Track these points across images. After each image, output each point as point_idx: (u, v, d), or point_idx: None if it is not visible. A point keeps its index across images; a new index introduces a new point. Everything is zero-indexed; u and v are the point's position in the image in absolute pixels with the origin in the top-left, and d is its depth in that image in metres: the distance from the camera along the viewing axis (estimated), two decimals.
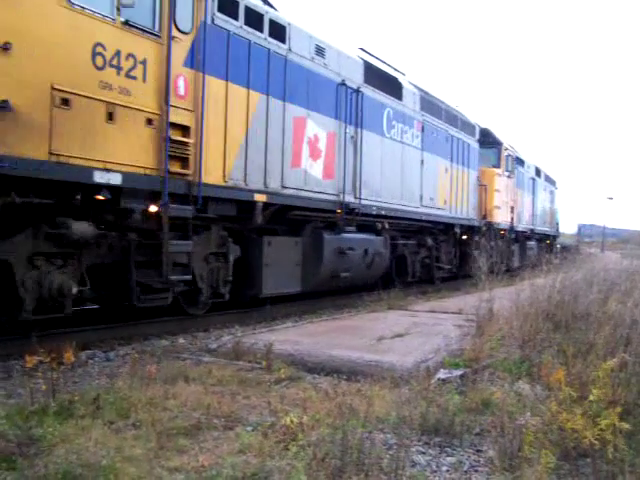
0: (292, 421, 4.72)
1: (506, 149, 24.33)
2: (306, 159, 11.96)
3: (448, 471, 4.37)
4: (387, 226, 15.10)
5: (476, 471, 4.39)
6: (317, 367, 7.27)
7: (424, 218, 17.15)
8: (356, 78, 13.60)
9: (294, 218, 12.03)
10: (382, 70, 15.17)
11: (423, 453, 4.68)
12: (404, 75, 16.88)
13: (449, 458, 4.62)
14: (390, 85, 15.24)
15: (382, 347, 8.09)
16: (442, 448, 4.80)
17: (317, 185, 12.26)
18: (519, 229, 26.62)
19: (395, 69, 16.34)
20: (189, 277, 9.31)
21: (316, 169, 12.25)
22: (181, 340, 8.95)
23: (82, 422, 4.90)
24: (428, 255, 18.41)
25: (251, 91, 10.38)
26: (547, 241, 35.34)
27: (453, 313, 11.43)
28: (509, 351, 7.47)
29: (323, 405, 5.46)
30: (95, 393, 5.43)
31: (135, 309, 8.90)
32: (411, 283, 17.16)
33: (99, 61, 7.76)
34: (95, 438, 4.52)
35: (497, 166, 23.63)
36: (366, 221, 14.25)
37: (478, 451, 4.76)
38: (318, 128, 12.29)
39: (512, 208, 25.20)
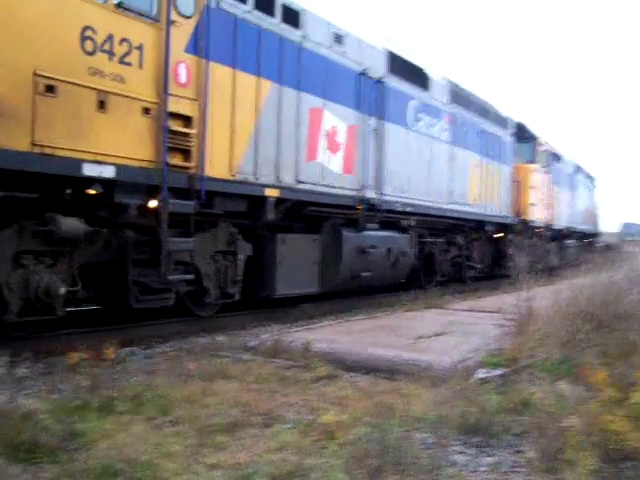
0: (330, 419, 4.72)
1: (542, 144, 23.45)
2: (323, 152, 11.41)
3: (487, 471, 4.33)
4: (413, 223, 14.50)
5: (515, 472, 4.34)
6: (355, 365, 7.25)
7: (454, 215, 16.50)
8: (379, 68, 12.98)
9: (311, 214, 11.54)
10: (407, 60, 14.37)
11: (462, 453, 4.65)
12: (432, 66, 15.95)
13: (488, 458, 4.58)
14: (416, 76, 14.51)
15: (420, 346, 8.06)
16: (481, 448, 4.76)
17: (336, 180, 11.74)
18: (556, 227, 25.56)
19: (422, 59, 15.48)
20: (191, 276, 8.91)
21: (334, 163, 11.71)
22: (219, 338, 8.99)
23: (123, 418, 4.96)
24: (459, 254, 17.78)
25: (262, 79, 9.84)
26: (587, 240, 34.17)
27: (491, 312, 11.32)
28: (549, 351, 7.37)
29: (361, 404, 5.45)
30: (135, 390, 5.49)
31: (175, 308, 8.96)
32: (441, 283, 16.58)
33: (88, 46, 7.25)
34: (135, 434, 4.57)
35: (532, 162, 22.70)
36: (390, 218, 13.62)
37: (517, 452, 4.70)
38: (337, 120, 11.73)
39: (549, 205, 24.25)
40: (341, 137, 11.86)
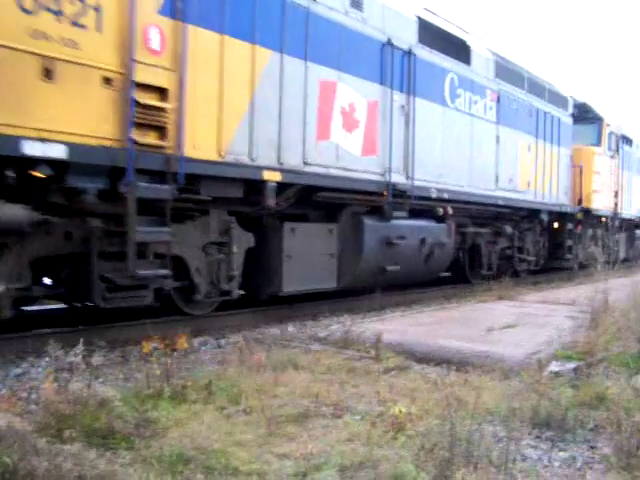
0: (400, 411, 4.70)
1: (608, 125, 21.11)
2: (338, 131, 10.01)
3: (561, 466, 4.26)
4: (451, 212, 12.88)
5: (590, 468, 4.25)
6: (425, 357, 7.22)
7: (501, 203, 14.83)
8: (407, 37, 11.56)
9: (329, 202, 10.34)
10: (443, 29, 12.88)
11: (534, 447, 4.58)
12: (474, 37, 14.45)
13: (561, 453, 4.50)
14: (454, 47, 13.00)
15: (491, 338, 7.97)
16: (554, 443, 4.68)
17: (354, 162, 10.31)
18: (625, 216, 23.50)
19: (464, 30, 13.97)
20: (165, 272, 7.59)
21: (352, 143, 10.28)
22: (290, 328, 9.05)
23: (194, 407, 5.05)
24: (509, 245, 16.16)
25: (258, 47, 8.51)
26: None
27: (565, 304, 11.12)
28: (626, 344, 7.21)
29: (431, 395, 5.42)
30: (207, 379, 5.57)
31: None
32: (491, 277, 14.88)
33: (27, 3, 6.15)
34: (207, 423, 4.64)
35: (597, 145, 20.56)
36: (423, 206, 12.27)
37: (592, 447, 4.61)
38: (355, 94, 10.29)
39: (616, 193, 22.17)
40: (360, 114, 10.46)
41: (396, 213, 11.25)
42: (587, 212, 19.71)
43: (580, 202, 19.48)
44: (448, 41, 12.88)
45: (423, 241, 12.11)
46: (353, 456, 4.11)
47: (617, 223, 22.44)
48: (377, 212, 11.15)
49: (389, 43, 11.03)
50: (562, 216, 18.61)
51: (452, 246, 13.23)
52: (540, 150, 16.76)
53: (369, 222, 10.87)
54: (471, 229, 14.47)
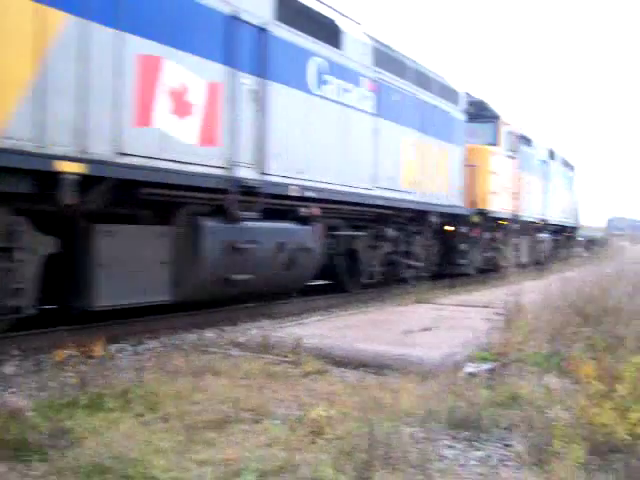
0: (319, 415, 4.73)
1: (506, 124, 20.33)
2: (165, 116, 8.32)
3: (476, 465, 4.35)
4: (318, 212, 11.31)
5: (505, 465, 4.36)
6: (345, 361, 7.27)
7: (380, 203, 13.30)
8: (261, 12, 9.94)
9: (160, 200, 8.60)
10: (307, 6, 11.20)
11: (451, 447, 4.67)
12: (351, 21, 12.87)
13: (477, 452, 4.60)
14: (322, 28, 11.42)
15: (410, 341, 8.08)
16: (470, 442, 4.78)
17: (188, 153, 8.60)
18: (526, 219, 22.88)
19: (337, 11, 12.27)
20: None
21: (186, 131, 8.59)
22: (209, 334, 8.98)
23: (111, 415, 4.95)
24: (394, 250, 14.65)
25: (46, 8, 6.72)
26: (565, 233, 31.62)
27: (481, 306, 11.36)
28: (538, 345, 7.41)
29: (350, 399, 5.47)
30: (124, 386, 5.49)
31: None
32: (376, 285, 14.16)
33: None
34: (124, 431, 4.56)
35: (494, 144, 19.54)
36: (283, 205, 10.68)
37: (506, 445, 4.73)
38: (190, 75, 8.63)
39: (516, 195, 21.43)
40: (197, 97, 8.80)
41: (246, 214, 9.60)
42: (484, 214, 18.65)
43: (475, 204, 18.24)
44: (314, 21, 11.32)
45: (282, 246, 10.49)
46: (273, 461, 4.11)
47: (517, 226, 21.86)
48: (223, 213, 9.47)
49: (236, 17, 9.41)
50: (455, 218, 17.49)
51: (320, 251, 11.64)
52: (428, 147, 15.37)
53: (210, 224, 9.23)
54: (346, 232, 12.95)
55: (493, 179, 19.08)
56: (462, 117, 17.52)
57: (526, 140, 23.16)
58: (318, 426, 4.65)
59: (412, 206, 14.71)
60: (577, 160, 34.97)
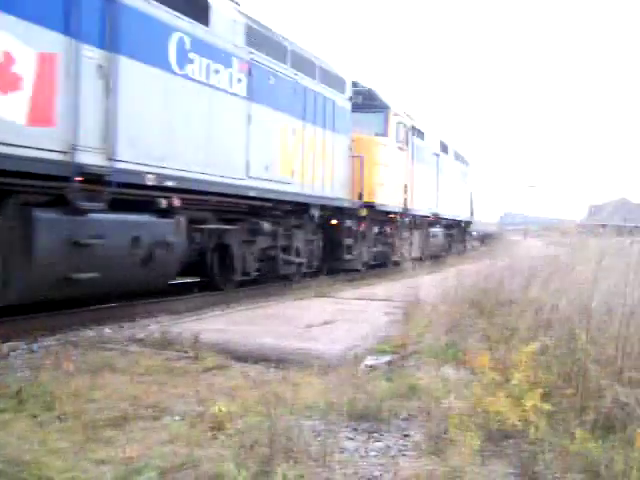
0: (220, 410, 4.70)
1: (396, 115, 19.75)
2: None
3: (376, 456, 4.42)
4: (179, 203, 10.32)
5: (404, 455, 4.45)
6: (245, 355, 7.25)
7: (253, 194, 12.30)
8: None
9: None
10: None
11: (351, 439, 4.73)
12: (235, 2, 12.01)
13: (377, 443, 4.67)
14: (188, 2, 10.53)
15: (310, 335, 8.13)
16: (370, 434, 4.85)
17: (14, 134, 7.55)
18: (418, 213, 22.55)
19: None
20: None
21: (11, 108, 7.54)
22: (107, 330, 8.79)
23: (4, 416, 4.79)
24: (272, 245, 13.85)
25: None
26: (459, 227, 31.89)
27: (381, 300, 11.53)
28: (435, 337, 7.59)
29: (251, 393, 5.46)
30: (17, 386, 5.31)
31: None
32: (254, 281, 13.57)
33: None
34: (18, 432, 4.42)
35: (383, 135, 19.00)
36: (138, 196, 9.76)
37: (405, 435, 4.83)
38: (15, 43, 7.52)
39: (407, 188, 20.88)
40: (25, 69, 7.70)
41: (91, 205, 8.54)
42: (372, 208, 17.98)
43: (363, 197, 17.44)
44: None
45: (137, 241, 9.42)
46: (174, 458, 4.07)
47: (409, 220, 21.65)
48: (63, 203, 8.39)
49: None
50: (341, 212, 16.75)
51: (183, 246, 10.69)
52: (309, 135, 14.31)
53: (45, 216, 8.11)
54: (215, 226, 12.07)
55: (382, 171, 18.49)
56: (348, 105, 16.65)
57: (418, 132, 22.64)
58: (219, 421, 4.63)
59: (290, 198, 13.80)
60: (474, 158, 35.97)
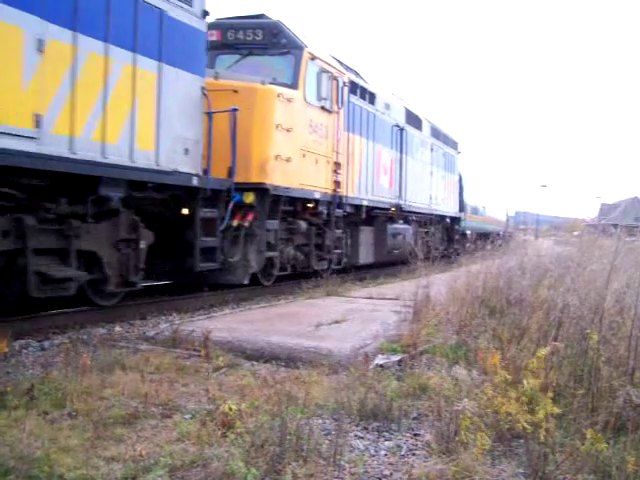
0: (230, 408, 4.70)
1: (315, 59, 13.86)
2: None
3: (386, 455, 4.42)
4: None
5: (414, 455, 4.45)
6: (255, 354, 7.26)
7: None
8: None
9: None
10: None
11: (361, 438, 4.73)
12: None
13: (387, 442, 4.67)
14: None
15: (320, 333, 8.12)
16: (380, 433, 4.86)
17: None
18: (363, 203, 16.95)
19: None
20: None
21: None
22: (118, 328, 8.81)
23: (15, 413, 4.81)
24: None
25: None
26: (441, 225, 25.41)
27: (390, 299, 11.50)
28: (446, 336, 7.58)
29: (261, 392, 5.46)
30: (29, 383, 5.33)
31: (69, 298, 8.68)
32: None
33: None
34: (29, 430, 4.42)
35: (291, 86, 13.11)
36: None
37: (416, 435, 4.83)
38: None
39: (338, 166, 15.06)
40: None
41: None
42: (264, 191, 12.24)
43: (232, 173, 11.49)
44: None
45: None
46: (183, 456, 4.07)
47: (342, 212, 15.54)
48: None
49: None
50: (192, 196, 10.55)
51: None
52: (114, 68, 8.73)
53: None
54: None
55: (282, 138, 12.62)
56: (200, 25, 10.53)
57: (364, 92, 17.12)
58: (229, 420, 4.63)
59: (74, 169, 8.23)
60: (465, 141, 32.44)
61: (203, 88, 10.52)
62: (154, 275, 11.10)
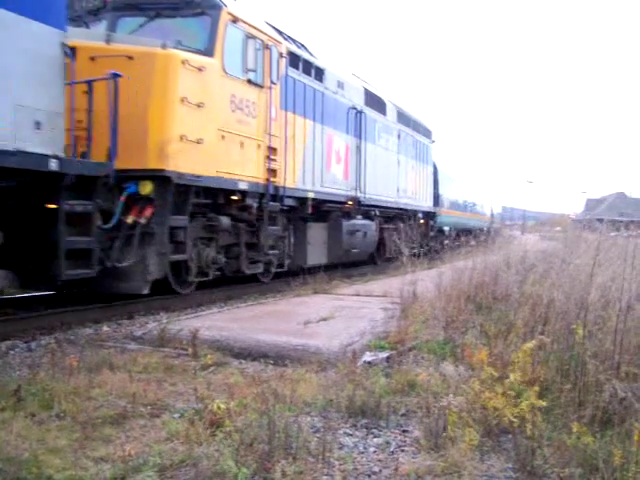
0: (219, 407, 4.71)
1: (237, 22, 11.47)
2: None
3: (375, 452, 4.44)
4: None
5: (402, 451, 4.47)
6: (244, 352, 7.26)
7: None
8: None
9: None
10: None
11: (350, 435, 4.74)
12: None
13: (376, 439, 4.69)
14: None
15: (308, 331, 8.13)
16: (369, 430, 4.87)
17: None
18: (310, 195, 14.40)
19: None
20: None
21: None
22: (105, 328, 8.78)
23: (2, 415, 4.79)
24: None
25: None
26: (411, 221, 20.44)
27: (378, 296, 11.53)
28: (433, 333, 7.61)
29: (250, 390, 5.47)
30: (16, 385, 5.31)
31: (55, 297, 8.65)
32: None
33: None
34: (17, 431, 4.42)
35: (205, 53, 10.76)
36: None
37: (404, 431, 4.85)
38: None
39: (273, 152, 12.65)
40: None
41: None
42: (162, 180, 9.80)
43: (112, 156, 9.09)
44: None
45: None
46: (173, 455, 4.08)
47: (278, 206, 12.99)
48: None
49: None
50: (55, 183, 8.11)
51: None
52: None
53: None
54: None
55: (190, 114, 10.22)
56: None
57: (308, 66, 14.53)
58: (218, 419, 4.63)
59: None
60: (438, 129, 30.70)
61: (64, 45, 7.97)
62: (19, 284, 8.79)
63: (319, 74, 15.08)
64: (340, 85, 16.36)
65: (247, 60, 11.64)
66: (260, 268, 13.03)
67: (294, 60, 13.80)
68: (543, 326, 6.23)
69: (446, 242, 24.56)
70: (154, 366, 6.40)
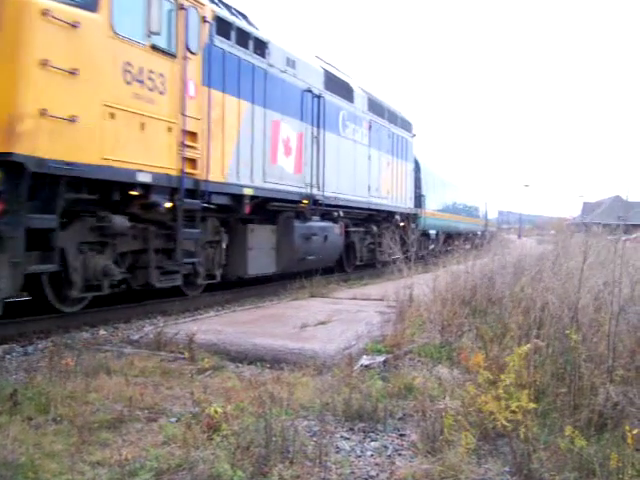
0: (216, 411, 4.71)
1: None
2: None
3: (372, 455, 4.44)
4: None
5: (400, 455, 4.47)
6: (240, 356, 7.26)
7: None
8: None
9: None
10: None
11: (347, 439, 4.75)
12: None
13: (373, 443, 4.69)
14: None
15: (305, 335, 8.13)
16: (366, 433, 4.88)
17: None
18: (245, 191, 11.97)
19: None
20: None
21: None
22: (102, 332, 8.80)
23: None
24: None
25: None
26: (386, 223, 19.71)
27: (374, 300, 11.53)
28: (429, 336, 7.62)
29: (247, 394, 5.47)
30: (12, 389, 5.31)
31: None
32: None
33: None
34: (13, 435, 4.41)
35: (87, 6, 8.21)
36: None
37: (401, 435, 4.85)
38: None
39: (192, 137, 10.27)
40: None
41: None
42: (13, 167, 7.32)
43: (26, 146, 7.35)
44: None
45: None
46: (169, 459, 4.08)
47: (199, 203, 10.54)
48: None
49: None
50: None
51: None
52: None
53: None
54: None
55: (56, 83, 7.77)
56: None
57: (245, 37, 12.09)
58: (214, 422, 4.64)
59: None
60: (419, 122, 29.14)
61: None
62: None
63: (260, 47, 12.56)
64: (290, 63, 13.79)
65: (152, 20, 9.23)
66: (177, 280, 10.55)
67: (224, 27, 11.32)
68: (538, 330, 6.24)
69: (431, 247, 23.34)
70: (151, 370, 6.40)
